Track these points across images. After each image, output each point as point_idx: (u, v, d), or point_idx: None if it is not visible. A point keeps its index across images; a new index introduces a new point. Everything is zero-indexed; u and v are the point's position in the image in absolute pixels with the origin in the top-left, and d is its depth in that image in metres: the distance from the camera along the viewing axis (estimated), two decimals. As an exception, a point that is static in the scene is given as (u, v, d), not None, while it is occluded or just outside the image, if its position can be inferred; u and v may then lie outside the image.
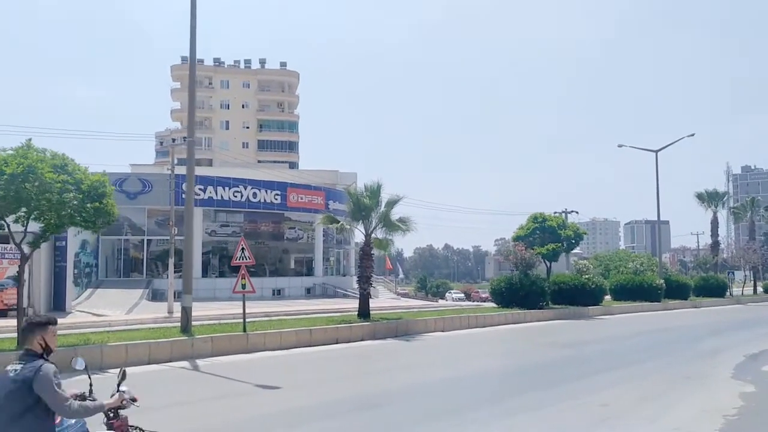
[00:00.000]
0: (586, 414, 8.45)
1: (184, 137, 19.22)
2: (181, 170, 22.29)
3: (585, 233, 37.88)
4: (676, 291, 39.32)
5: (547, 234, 33.31)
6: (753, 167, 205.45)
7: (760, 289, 55.44)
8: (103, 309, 25.72)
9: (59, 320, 15.22)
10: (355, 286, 24.54)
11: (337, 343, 17.33)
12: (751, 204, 59.45)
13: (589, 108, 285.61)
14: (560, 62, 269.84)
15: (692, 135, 41.57)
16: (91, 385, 4.23)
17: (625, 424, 8.03)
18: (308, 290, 41.30)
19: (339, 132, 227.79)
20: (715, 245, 54.44)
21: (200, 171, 39.94)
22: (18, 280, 13.11)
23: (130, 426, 4.30)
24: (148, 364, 12.93)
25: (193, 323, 16.24)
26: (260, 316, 22.55)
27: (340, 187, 38.62)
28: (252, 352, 14.97)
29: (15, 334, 12.80)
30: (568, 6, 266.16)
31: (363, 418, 8.38)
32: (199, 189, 35.70)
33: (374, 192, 21.37)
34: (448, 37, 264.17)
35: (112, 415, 4.16)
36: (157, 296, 32.91)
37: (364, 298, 21.28)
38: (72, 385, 11.76)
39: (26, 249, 13.22)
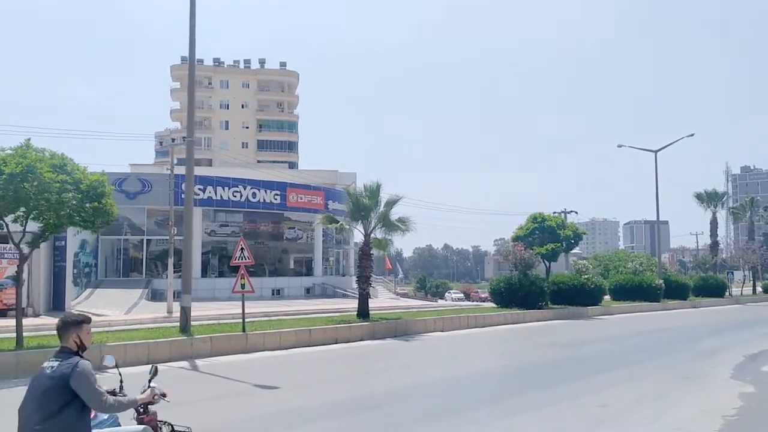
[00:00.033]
0: (586, 414, 8.45)
1: (184, 137, 19.22)
2: (181, 170, 22.29)
3: (584, 233, 37.89)
4: (675, 291, 39.32)
5: (547, 234, 33.31)
6: (752, 167, 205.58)
7: (759, 289, 55.47)
8: (103, 309, 25.70)
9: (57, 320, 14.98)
10: (355, 286, 24.55)
11: (336, 343, 17.32)
12: (750, 204, 59.47)
13: (589, 108, 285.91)
14: (560, 62, 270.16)
15: (692, 135, 41.59)
16: (121, 381, 4.35)
17: (625, 424, 8.02)
18: (308, 290, 41.28)
19: (338, 132, 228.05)
20: (714, 245, 54.46)
21: (200, 171, 39.93)
22: (17, 280, 13.08)
23: (159, 421, 4.38)
24: (147, 363, 12.87)
25: (193, 323, 16.23)
26: (259, 316, 22.55)
27: (339, 187, 38.61)
28: (251, 352, 14.96)
29: (14, 335, 12.77)
30: (568, 6, 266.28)
31: (362, 419, 8.37)
32: (199, 189, 35.68)
33: (373, 192, 21.36)
34: (448, 37, 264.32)
35: (142, 410, 4.26)
36: (156, 296, 32.90)
37: (364, 298, 21.27)
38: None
39: (25, 249, 13.20)
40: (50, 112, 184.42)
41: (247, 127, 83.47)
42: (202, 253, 37.38)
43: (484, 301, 47.12)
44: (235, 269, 17.60)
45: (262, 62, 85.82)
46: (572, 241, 35.44)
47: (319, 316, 22.39)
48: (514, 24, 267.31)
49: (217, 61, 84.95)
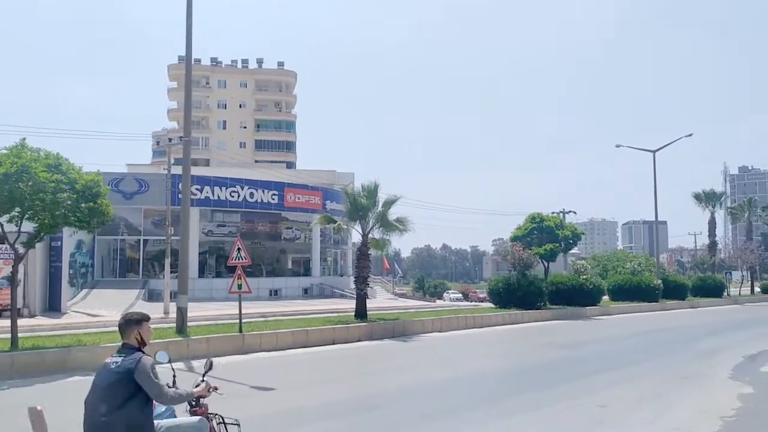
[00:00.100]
0: (585, 414, 8.39)
1: (181, 137, 19.13)
2: (178, 170, 22.22)
3: (583, 233, 37.89)
4: (673, 291, 39.33)
5: (545, 234, 33.27)
6: (750, 167, 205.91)
7: (757, 289, 55.49)
8: (99, 309, 25.60)
9: (54, 321, 15.21)
10: (353, 286, 24.49)
11: (333, 343, 17.24)
12: (748, 204, 59.51)
13: (588, 108, 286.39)
14: (560, 62, 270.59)
15: (690, 135, 41.57)
16: (174, 375, 4.52)
17: (624, 424, 7.97)
18: (305, 290, 41.21)
19: (337, 132, 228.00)
20: (712, 245, 54.45)
21: (197, 171, 39.89)
22: (12, 280, 12.98)
23: (210, 413, 4.56)
24: (143, 364, 12.82)
25: (189, 324, 16.14)
26: (256, 316, 22.47)
27: (337, 187, 38.58)
28: (248, 352, 14.88)
29: (9, 335, 12.67)
30: (568, 6, 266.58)
31: (361, 420, 8.30)
32: (196, 189, 35.59)
33: (371, 192, 21.29)
34: (448, 37, 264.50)
35: (194, 402, 4.47)
36: (153, 296, 32.78)
37: (361, 299, 21.21)
38: (73, 384, 11.57)
39: (20, 249, 13.12)
40: (48, 112, 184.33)
41: (245, 127, 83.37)
42: (200, 254, 37.28)
43: (482, 302, 47.04)
44: (232, 269, 17.52)
45: (259, 62, 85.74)
46: (571, 242, 35.40)
47: (317, 317, 22.31)
48: (514, 24, 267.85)
49: (215, 61, 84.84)
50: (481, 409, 8.77)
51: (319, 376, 12.53)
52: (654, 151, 41.47)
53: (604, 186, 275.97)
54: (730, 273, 54.04)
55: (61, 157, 12.52)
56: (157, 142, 78.74)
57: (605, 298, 36.22)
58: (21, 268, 21.62)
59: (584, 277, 32.24)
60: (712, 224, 53.14)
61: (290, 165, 76.40)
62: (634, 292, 36.39)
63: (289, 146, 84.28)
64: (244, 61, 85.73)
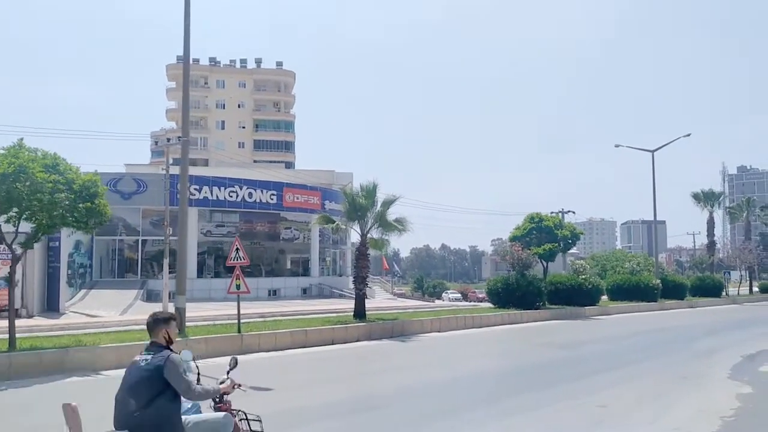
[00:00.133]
0: (584, 415, 8.38)
1: (179, 137, 19.09)
2: (177, 170, 22.14)
3: (582, 233, 37.88)
4: (672, 291, 39.35)
5: (544, 234, 33.26)
6: (749, 167, 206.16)
7: (755, 288, 55.53)
8: (97, 310, 25.57)
9: (52, 321, 15.18)
10: (351, 286, 24.46)
11: (332, 344, 17.22)
12: (746, 204, 59.57)
13: (587, 108, 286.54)
14: (560, 62, 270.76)
15: (688, 135, 41.62)
16: (199, 373, 4.67)
17: (623, 424, 7.95)
18: (304, 291, 41.18)
19: (336, 132, 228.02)
20: (711, 245, 54.48)
21: (196, 171, 39.82)
22: (9, 281, 12.94)
23: (233, 409, 4.72)
24: (141, 365, 12.79)
25: (188, 324, 16.13)
26: (255, 316, 22.44)
27: (336, 187, 38.55)
28: (246, 353, 14.82)
29: (6, 336, 12.63)
30: (568, 6, 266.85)
31: (360, 420, 8.28)
32: (195, 189, 35.55)
33: (370, 192, 21.28)
34: (448, 37, 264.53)
35: (218, 399, 4.65)
36: (152, 297, 32.75)
37: (360, 299, 21.19)
38: (71, 385, 11.49)
39: (18, 250, 13.08)
40: (46, 112, 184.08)
41: (244, 127, 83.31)
42: (198, 254, 37.25)
43: (481, 302, 47.04)
44: (230, 270, 17.50)
45: (258, 62, 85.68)
46: (569, 241, 35.39)
47: (316, 317, 22.29)
48: (514, 24, 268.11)
49: (214, 61, 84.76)
50: (481, 409, 8.76)
51: (318, 377, 12.51)
52: (653, 151, 41.50)
53: (603, 186, 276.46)
54: (729, 273, 54.04)
55: (59, 157, 12.48)
56: (156, 143, 78.58)
57: (604, 297, 36.23)
58: (19, 268, 21.58)
59: (583, 276, 32.24)
60: (710, 224, 53.19)
61: (289, 165, 76.32)
62: (633, 291, 36.41)
63: (288, 146, 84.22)
64: (243, 61, 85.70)
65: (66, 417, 4.03)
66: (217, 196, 37.34)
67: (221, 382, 4.72)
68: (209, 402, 4.65)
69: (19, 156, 11.76)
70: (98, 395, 10.26)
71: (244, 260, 16.55)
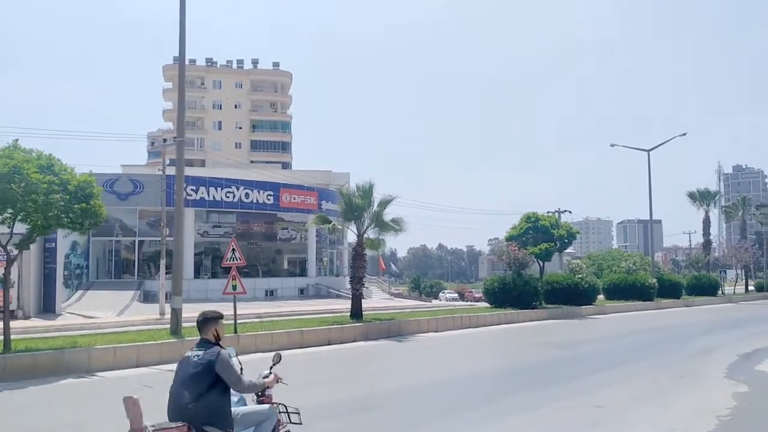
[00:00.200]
0: (582, 414, 8.37)
1: (175, 137, 19.06)
2: (173, 171, 22.10)
3: (578, 233, 37.87)
4: (668, 290, 39.43)
5: (540, 234, 33.25)
6: (744, 166, 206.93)
7: (751, 287, 55.67)
8: (94, 311, 25.51)
9: (49, 322, 15.11)
10: (349, 286, 24.43)
11: (329, 344, 17.20)
12: (742, 203, 59.76)
13: (585, 108, 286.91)
14: (559, 62, 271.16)
15: (684, 134, 41.83)
16: (241, 369, 4.78)
17: (620, 424, 7.95)
18: (301, 291, 41.14)
19: (333, 132, 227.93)
20: (707, 244, 54.63)
21: (192, 171, 39.79)
22: (4, 282, 12.89)
23: (274, 402, 5.05)
24: (137, 367, 12.76)
25: (185, 325, 16.06)
26: (252, 317, 22.41)
27: (332, 187, 38.47)
28: (243, 353, 14.74)
29: (1, 337, 12.58)
30: (568, 6, 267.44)
31: (359, 420, 8.26)
32: (191, 190, 35.50)
33: (366, 192, 21.25)
34: (447, 36, 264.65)
35: (260, 393, 4.98)
36: (149, 298, 32.69)
37: (357, 299, 21.17)
38: (66, 387, 11.42)
39: (13, 251, 13.03)
40: (43, 113, 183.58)
41: (240, 128, 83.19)
42: (195, 254, 37.18)
43: (478, 301, 47.07)
44: (227, 270, 17.47)
45: (255, 62, 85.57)
46: (566, 241, 35.37)
47: (312, 317, 22.26)
48: (514, 24, 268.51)
49: (210, 62, 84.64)
50: (479, 410, 8.74)
51: (316, 377, 12.48)
52: (648, 151, 41.57)
53: (599, 185, 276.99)
54: (725, 271, 54.15)
55: (54, 158, 12.43)
56: (152, 143, 78.51)
57: (600, 297, 36.27)
58: (15, 269, 21.56)
59: (579, 276, 32.27)
60: (706, 223, 53.36)
61: (286, 165, 76.30)
62: (629, 291, 36.47)
63: (285, 147, 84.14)
64: (240, 62, 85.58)
65: (126, 409, 4.22)
66: (213, 197, 37.29)
67: (264, 377, 5.00)
68: (251, 395, 4.95)
69: (13, 157, 11.71)
70: (92, 396, 10.25)
71: (240, 261, 16.52)
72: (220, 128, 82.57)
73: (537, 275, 31.72)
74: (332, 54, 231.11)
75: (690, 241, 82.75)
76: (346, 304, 25.95)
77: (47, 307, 24.38)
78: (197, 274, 37.52)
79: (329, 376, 12.78)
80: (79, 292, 31.02)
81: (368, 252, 23.12)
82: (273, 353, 5.69)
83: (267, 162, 70.89)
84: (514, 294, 27.87)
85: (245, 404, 4.88)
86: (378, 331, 19.35)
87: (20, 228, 12.72)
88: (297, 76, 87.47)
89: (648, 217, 42.28)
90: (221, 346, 4.66)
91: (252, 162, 72.76)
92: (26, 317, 22.58)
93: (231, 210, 38.85)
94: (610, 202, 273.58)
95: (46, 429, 7.95)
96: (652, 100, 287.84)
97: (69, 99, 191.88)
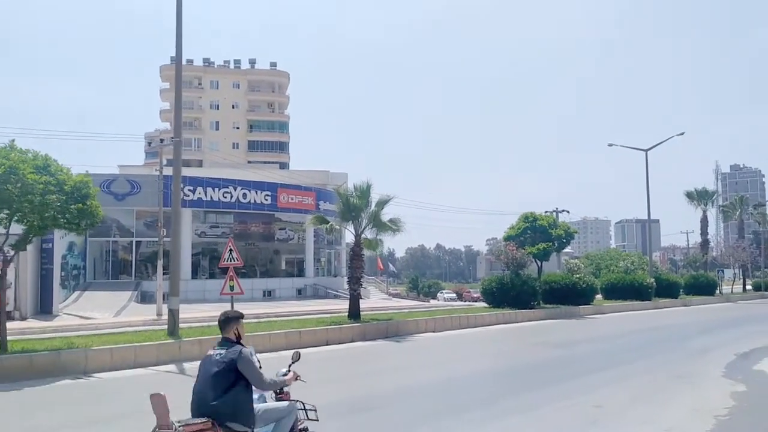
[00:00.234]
0: (580, 414, 8.37)
1: (172, 137, 19.03)
2: (171, 171, 22.06)
3: (576, 232, 37.91)
4: (666, 289, 39.49)
5: (538, 233, 33.27)
6: (742, 166, 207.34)
7: (749, 287, 55.76)
8: (91, 311, 25.43)
9: (46, 323, 15.06)
10: (346, 286, 24.41)
11: (327, 344, 17.17)
12: (740, 202, 59.82)
13: (581, 108, 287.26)
14: (557, 62, 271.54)
15: (682, 134, 41.85)
16: (260, 367, 4.90)
17: (618, 424, 7.94)
18: (299, 291, 41.09)
19: (330, 132, 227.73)
20: (704, 243, 54.71)
21: (189, 172, 39.73)
22: (0, 283, 12.83)
23: (292, 400, 5.21)
24: (134, 368, 12.71)
25: (182, 325, 16.04)
26: (250, 317, 22.35)
27: (330, 187, 38.43)
28: (240, 354, 14.76)
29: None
30: (567, 6, 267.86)
31: (357, 421, 8.24)
32: (188, 190, 35.43)
33: (364, 192, 21.23)
34: (446, 36, 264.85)
35: (279, 390, 5.15)
36: (146, 298, 32.60)
37: (355, 299, 21.14)
38: (62, 388, 11.38)
39: (9, 251, 12.97)
40: (39, 114, 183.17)
41: (238, 128, 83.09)
42: (192, 255, 37.11)
43: (476, 301, 47.08)
44: (225, 271, 17.42)
45: (252, 62, 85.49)
46: (564, 241, 35.40)
47: (310, 318, 22.23)
48: (514, 24, 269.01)
49: (207, 62, 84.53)
50: (478, 410, 8.72)
51: (314, 377, 12.35)
52: (646, 150, 41.62)
53: (597, 185, 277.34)
54: (723, 271, 54.33)
55: (50, 158, 12.38)
56: (149, 143, 78.39)
57: (598, 296, 36.32)
58: (12, 270, 21.45)
59: (577, 276, 32.28)
60: (704, 222, 53.42)
61: (283, 165, 76.22)
62: (627, 290, 36.50)
63: (282, 147, 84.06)
64: (237, 62, 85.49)
65: (153, 406, 4.31)
66: (211, 197, 37.21)
67: (283, 375, 5.20)
68: (270, 392, 5.12)
69: (9, 157, 11.65)
70: (88, 398, 10.20)
71: (237, 261, 16.46)
72: (217, 128, 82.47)
73: (535, 275, 31.74)
74: (330, 54, 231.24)
75: (688, 240, 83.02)
76: (344, 305, 25.91)
77: (44, 308, 24.30)
78: (195, 274, 37.45)
79: (327, 376, 12.73)
80: (77, 292, 30.93)
81: (366, 252, 23.10)
82: (271, 353, 5.80)
83: (264, 162, 70.79)
84: (512, 294, 27.87)
85: (265, 401, 5.03)
86: (376, 331, 19.33)
87: (16, 229, 12.67)
88: (294, 76, 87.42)
89: (646, 217, 42.33)
90: (242, 345, 4.81)
91: (249, 162, 72.67)
92: (23, 318, 22.52)
93: (228, 210, 38.78)
94: (608, 202, 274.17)
95: (40, 429, 7.92)
96: (651, 100, 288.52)
97: (66, 99, 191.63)
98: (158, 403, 4.28)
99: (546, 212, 40.62)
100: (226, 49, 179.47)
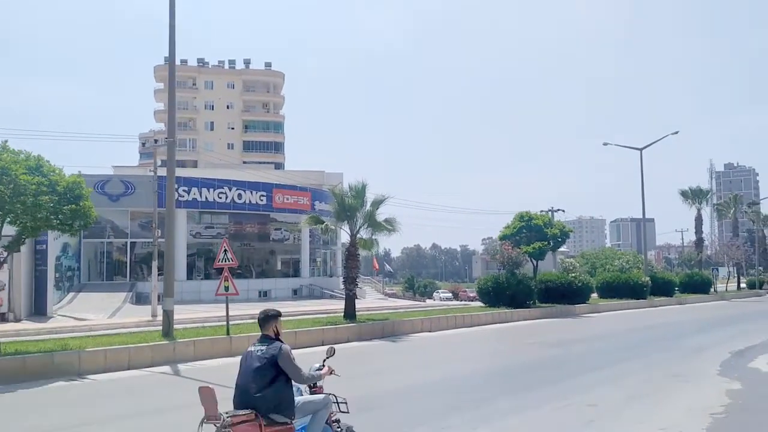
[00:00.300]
0: (575, 414, 8.35)
1: (166, 138, 18.93)
2: (165, 172, 21.98)
3: (571, 231, 37.97)
4: (661, 288, 39.59)
5: (534, 233, 33.28)
6: (736, 164, 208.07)
7: (743, 285, 55.96)
8: (86, 313, 25.32)
9: (40, 325, 14.96)
10: (342, 286, 24.38)
11: (322, 344, 17.08)
12: (734, 201, 60.08)
13: (578, 107, 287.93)
14: (554, 62, 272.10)
15: (676, 133, 41.97)
16: None
17: (614, 423, 7.92)
18: (295, 291, 41.03)
19: (325, 132, 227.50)
20: (699, 242, 54.87)
21: (184, 172, 39.61)
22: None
23: (326, 393, 5.51)
24: (128, 369, 12.64)
25: (177, 326, 15.97)
26: (246, 318, 22.27)
27: (326, 187, 38.35)
28: (236, 355, 14.59)
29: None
30: (567, 6, 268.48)
31: (355, 421, 8.09)
32: (183, 190, 35.33)
33: (359, 192, 21.18)
34: (445, 36, 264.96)
35: (313, 384, 5.42)
36: (141, 299, 32.51)
37: (350, 299, 21.10)
38: (56, 390, 11.29)
39: (3, 253, 12.88)
40: (36, 114, 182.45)
41: (233, 128, 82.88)
42: (188, 256, 37.01)
43: (472, 301, 47.07)
44: (221, 271, 17.36)
45: (247, 62, 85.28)
46: (559, 240, 35.41)
47: (306, 318, 22.17)
48: (513, 24, 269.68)
49: (202, 62, 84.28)
50: (475, 410, 8.69)
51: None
52: (641, 149, 41.71)
53: (592, 184, 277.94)
54: (717, 269, 54.46)
55: (42, 159, 12.31)
56: (143, 144, 78.14)
57: (594, 295, 36.36)
58: (5, 272, 21.39)
59: (573, 275, 32.33)
60: (698, 221, 53.57)
61: (278, 166, 76.04)
62: (623, 289, 36.58)
63: (278, 147, 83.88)
64: (231, 62, 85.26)
65: (201, 398, 4.51)
66: (206, 198, 37.12)
67: (317, 369, 5.46)
68: (305, 386, 5.36)
69: (1, 158, 11.59)
70: (82, 399, 10.13)
71: (232, 262, 16.38)
72: (212, 129, 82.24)
73: (530, 274, 31.75)
74: (326, 53, 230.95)
75: (683, 239, 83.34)
76: (339, 305, 25.86)
77: (38, 309, 24.19)
78: (190, 275, 37.35)
79: (322, 377, 12.70)
80: (71, 294, 30.81)
81: (362, 252, 23.05)
82: (327, 347, 6.10)
83: (259, 162, 70.63)
84: (507, 293, 27.88)
85: (301, 394, 5.30)
86: (372, 331, 19.29)
87: (9, 230, 12.59)
88: (289, 77, 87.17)
89: (641, 216, 42.43)
90: (281, 341, 5.03)
91: (244, 162, 72.50)
92: (17, 320, 22.40)
93: (223, 211, 38.70)
94: (603, 201, 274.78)
95: (36, 430, 7.86)
96: (646, 99, 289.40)
97: (65, 99, 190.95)
98: (206, 395, 4.50)
99: (541, 211, 40.68)
100: (221, 49, 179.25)
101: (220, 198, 37.62)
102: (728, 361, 13.16)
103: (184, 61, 78.40)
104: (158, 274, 26.72)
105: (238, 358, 15.60)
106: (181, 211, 33.03)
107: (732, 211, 59.79)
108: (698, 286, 44.47)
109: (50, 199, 11.69)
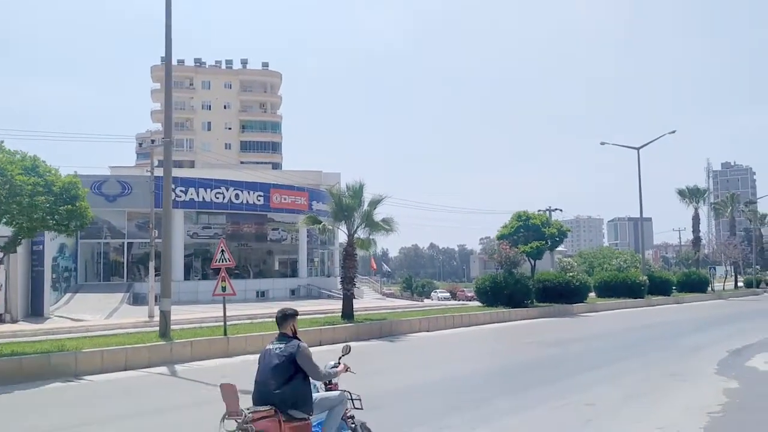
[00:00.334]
0: (573, 413, 8.35)
1: (163, 138, 18.89)
2: (162, 172, 21.92)
3: (569, 230, 37.98)
4: (659, 287, 39.64)
5: (531, 232, 33.28)
6: (733, 163, 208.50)
7: (740, 284, 56.05)
8: (83, 314, 25.25)
9: (37, 326, 14.94)
10: (340, 286, 24.34)
11: (320, 345, 17.07)
12: (731, 200, 60.16)
13: (575, 107, 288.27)
14: (552, 62, 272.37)
15: (673, 132, 42.03)
16: None
17: (612, 422, 7.92)
18: (293, 291, 40.98)
19: (323, 132, 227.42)
20: (696, 241, 54.96)
21: (181, 172, 39.58)
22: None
23: (340, 390, 5.64)
24: (125, 370, 12.60)
25: (174, 327, 15.91)
26: (243, 318, 22.27)
27: (323, 187, 38.36)
28: (233, 356, 14.70)
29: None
30: (567, 7, 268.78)
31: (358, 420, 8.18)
32: (180, 191, 35.26)
33: (356, 192, 21.15)
34: (444, 37, 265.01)
35: (328, 381, 5.54)
36: (138, 300, 32.42)
37: (348, 299, 21.07)
38: (53, 391, 11.26)
39: (-2, 254, 12.84)
40: (33, 114, 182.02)
41: (230, 128, 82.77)
42: (185, 256, 36.93)
43: (470, 300, 47.08)
44: (218, 272, 17.32)
45: (244, 62, 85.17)
46: (557, 239, 35.41)
47: (304, 318, 21.96)
48: (513, 24, 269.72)
49: (199, 62, 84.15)
50: (473, 410, 8.68)
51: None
52: (638, 149, 41.74)
53: (589, 183, 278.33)
54: (714, 268, 54.57)
55: (38, 159, 12.26)
56: (140, 144, 77.97)
57: (592, 295, 36.38)
58: (2, 272, 21.34)
59: (571, 274, 32.34)
60: (696, 220, 53.69)
61: (276, 166, 75.99)
62: (620, 288, 36.61)
63: (275, 147, 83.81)
64: (228, 62, 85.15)
65: (223, 394, 4.63)
66: (203, 198, 37.04)
67: (332, 367, 5.61)
68: (320, 383, 5.48)
69: (-3, 159, 11.54)
70: (80, 400, 10.09)
71: (229, 262, 16.34)
72: (209, 129, 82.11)
73: (528, 274, 31.76)
74: (326, 53, 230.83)
75: (680, 238, 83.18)
76: (337, 305, 25.82)
77: (35, 310, 24.12)
78: (187, 275, 37.27)
79: (320, 377, 12.68)
80: (68, 294, 30.72)
81: (359, 252, 23.04)
82: (343, 345, 6.22)
83: (257, 163, 70.56)
84: (505, 293, 27.88)
85: (318, 391, 5.41)
86: (369, 331, 19.27)
87: (5, 231, 12.55)
88: (286, 77, 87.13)
89: (638, 215, 42.45)
90: (299, 340, 5.16)
91: (242, 163, 72.42)
92: (14, 321, 22.33)
93: (221, 211, 38.62)
94: (603, 201, 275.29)
95: (39, 431, 7.83)
96: (644, 99, 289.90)
97: (60, 100, 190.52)
98: (228, 391, 4.62)
99: (539, 211, 40.71)
100: (221, 49, 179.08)
101: (218, 198, 37.55)
102: (725, 360, 13.18)
103: (181, 61, 78.31)
104: (155, 275, 26.65)
105: (236, 359, 15.69)
106: (178, 211, 32.95)
107: (729, 210, 59.87)
108: (696, 285, 44.55)
109: (46, 200, 11.65)
